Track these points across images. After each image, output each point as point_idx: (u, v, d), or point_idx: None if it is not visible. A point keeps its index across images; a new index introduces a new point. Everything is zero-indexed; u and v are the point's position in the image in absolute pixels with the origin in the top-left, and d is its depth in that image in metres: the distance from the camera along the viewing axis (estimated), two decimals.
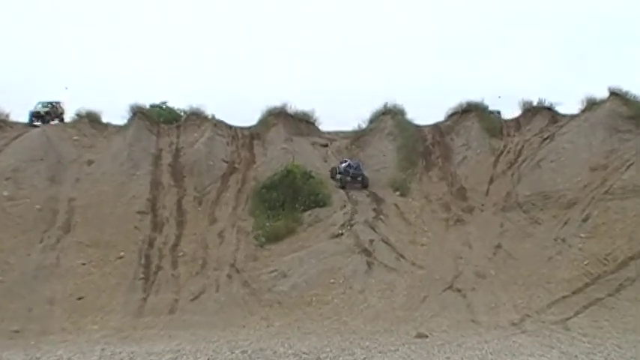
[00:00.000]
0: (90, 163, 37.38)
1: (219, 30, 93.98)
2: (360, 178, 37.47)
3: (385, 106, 43.39)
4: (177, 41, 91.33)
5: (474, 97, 43.73)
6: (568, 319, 25.32)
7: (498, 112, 42.53)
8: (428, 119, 43.60)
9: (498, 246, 31.82)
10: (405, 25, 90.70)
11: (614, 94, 38.16)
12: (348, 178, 37.32)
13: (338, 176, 37.58)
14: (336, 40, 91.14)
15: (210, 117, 42.17)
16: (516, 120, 42.15)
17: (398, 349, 21.99)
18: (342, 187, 36.94)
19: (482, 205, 35.41)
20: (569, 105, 42.13)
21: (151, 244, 31.97)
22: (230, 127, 42.09)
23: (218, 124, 41.45)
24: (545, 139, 38.32)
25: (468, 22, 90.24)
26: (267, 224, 33.30)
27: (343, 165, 37.90)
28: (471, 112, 42.29)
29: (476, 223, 34.07)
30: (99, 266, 30.15)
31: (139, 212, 33.73)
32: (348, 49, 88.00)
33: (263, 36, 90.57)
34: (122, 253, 30.95)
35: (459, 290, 28.40)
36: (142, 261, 30.72)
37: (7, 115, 40.88)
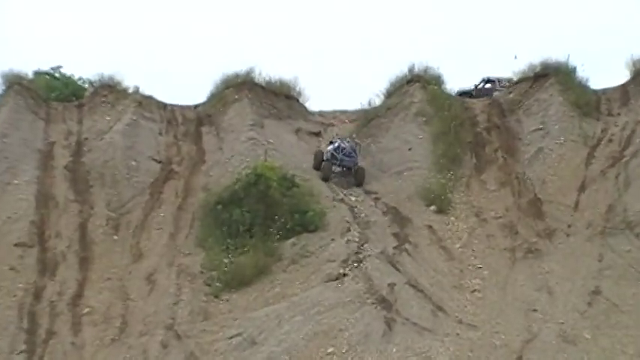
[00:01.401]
0: None
1: None
2: (352, 169, 38.82)
3: (411, 70, 43.50)
4: None
5: (552, 54, 43.94)
6: None
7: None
8: None
9: (596, 291, 31.60)
10: None
11: None
12: (336, 168, 38.76)
13: (323, 164, 38.89)
14: None
15: (131, 91, 42.13)
16: (622, 89, 42.22)
17: None
18: (325, 180, 38.32)
19: (569, 226, 35.32)
20: None
21: (37, 296, 31.60)
22: (164, 105, 41.97)
23: (145, 102, 41.46)
24: None
25: None
26: (226, 261, 33.21)
27: (330, 147, 39.10)
28: (549, 77, 42.36)
29: (559, 255, 33.90)
30: None
31: (17, 245, 33.42)
32: None
33: None
34: None
35: None
36: (24, 323, 30.34)
37: None
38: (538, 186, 37.56)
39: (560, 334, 29.55)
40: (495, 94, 44.10)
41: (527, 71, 43.33)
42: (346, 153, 38.78)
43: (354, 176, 39.06)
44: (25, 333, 29.93)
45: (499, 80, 45.38)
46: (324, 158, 39.12)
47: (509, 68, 44.52)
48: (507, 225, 35.91)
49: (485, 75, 45.75)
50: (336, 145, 38.95)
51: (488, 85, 45.66)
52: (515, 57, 47.87)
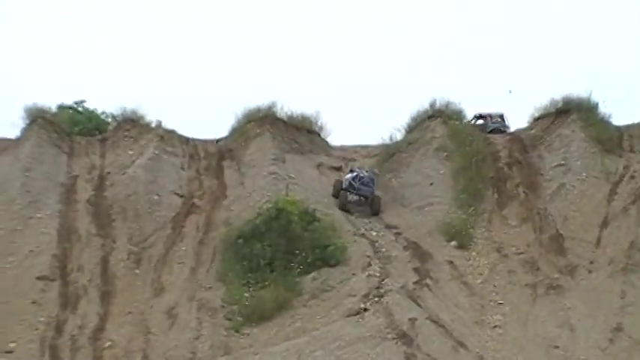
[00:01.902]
0: None
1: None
2: (367, 198, 39.46)
3: (433, 105, 43.60)
4: (102, 13, 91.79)
5: (573, 89, 43.91)
6: None
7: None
8: None
9: (618, 328, 31.46)
10: None
11: None
12: (353, 196, 39.47)
13: (340, 192, 39.62)
14: (352, 19, 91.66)
15: (154, 125, 42.33)
16: None
17: None
18: (342, 208, 38.94)
19: (592, 262, 35.16)
20: None
21: (59, 330, 31.58)
22: (186, 140, 42.10)
23: (167, 137, 41.59)
24: None
25: None
26: (247, 295, 33.18)
27: (349, 176, 39.71)
28: (571, 112, 42.33)
29: (581, 291, 33.74)
30: None
31: (39, 278, 33.44)
32: (369, 33, 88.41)
33: (241, 13, 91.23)
34: (12, 345, 30.60)
35: None
36: (45, 357, 30.29)
37: None
38: (560, 222, 37.42)
39: None
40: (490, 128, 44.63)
41: (549, 107, 43.27)
42: (364, 182, 39.39)
43: (370, 205, 39.62)
44: None
45: (490, 116, 45.84)
46: (343, 187, 39.63)
47: (530, 103, 44.49)
48: (529, 261, 35.78)
49: (478, 111, 46.22)
50: (355, 174, 39.50)
51: (480, 121, 45.91)
52: (510, 92, 48.93)
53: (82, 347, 31.06)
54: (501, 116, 45.11)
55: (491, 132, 43.41)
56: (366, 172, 39.95)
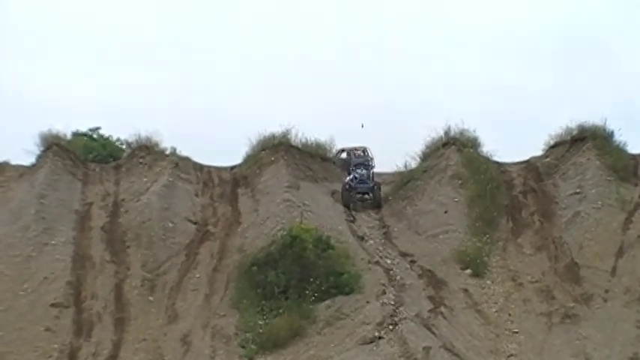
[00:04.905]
0: None
1: (183, 25, 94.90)
2: (367, 194, 41.82)
3: (447, 133, 43.74)
4: (116, 40, 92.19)
5: (588, 117, 43.91)
6: None
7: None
8: (515, 154, 44.05)
9: (634, 358, 31.38)
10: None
11: None
12: (356, 195, 41.67)
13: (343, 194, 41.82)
14: (359, 43, 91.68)
15: (168, 152, 42.55)
16: None
17: None
18: (347, 207, 41.10)
19: (607, 291, 35.06)
20: None
21: (73, 357, 31.74)
22: (201, 167, 42.28)
23: (181, 164, 41.84)
24: None
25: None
26: (261, 323, 33.19)
27: (347, 179, 42.05)
28: (586, 140, 42.38)
29: (597, 320, 33.67)
30: None
31: (53, 305, 33.60)
32: (378, 54, 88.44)
33: (252, 37, 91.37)
34: None
35: None
36: None
37: None
38: (575, 250, 37.35)
39: None
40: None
41: (564, 135, 43.31)
42: (360, 180, 41.85)
43: (372, 198, 41.84)
44: None
45: (355, 150, 46.17)
46: (345, 188, 41.64)
47: (546, 131, 44.38)
48: (544, 289, 35.76)
49: (341, 146, 46.96)
50: (352, 176, 41.89)
51: (343, 155, 46.54)
52: (363, 126, 48.61)
53: None
54: (364, 150, 45.64)
55: (356, 166, 43.76)
56: (361, 169, 42.60)
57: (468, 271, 36.82)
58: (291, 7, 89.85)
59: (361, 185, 42.12)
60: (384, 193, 42.84)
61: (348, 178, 42.19)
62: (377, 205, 42.04)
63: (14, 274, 34.91)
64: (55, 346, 31.93)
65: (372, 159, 45.03)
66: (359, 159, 44.86)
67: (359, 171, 42.36)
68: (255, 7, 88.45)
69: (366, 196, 42.29)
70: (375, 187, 42.58)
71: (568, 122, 43.56)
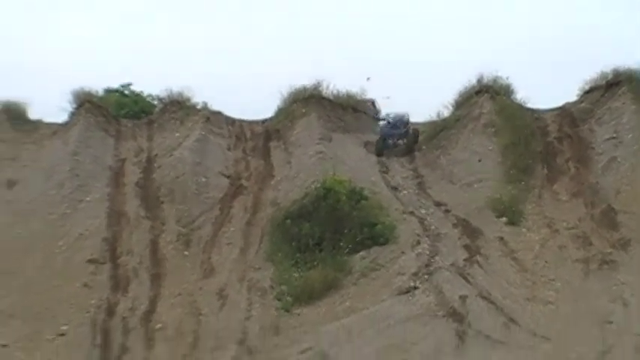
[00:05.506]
0: (10, 184, 38.05)
1: None
2: (401, 140, 41.73)
3: (480, 81, 43.35)
4: None
5: (625, 60, 43.40)
6: None
7: None
8: (549, 100, 43.65)
9: None
10: None
11: None
12: (389, 142, 41.55)
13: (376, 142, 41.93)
14: None
15: (200, 107, 42.59)
16: None
17: None
18: (379, 155, 41.04)
19: None
20: None
21: (110, 312, 31.91)
22: (233, 121, 42.36)
23: (213, 118, 41.86)
24: None
25: None
26: (296, 275, 33.34)
27: (381, 124, 42.33)
28: (622, 85, 41.79)
29: (634, 266, 33.32)
30: (28, 349, 30.04)
31: (90, 261, 33.89)
32: (414, 8, 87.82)
33: None
34: (64, 328, 30.91)
35: None
36: (97, 339, 30.58)
37: None
38: (611, 196, 37.09)
39: (636, 346, 29.00)
40: None
41: (599, 79, 42.81)
42: (392, 126, 41.80)
43: (406, 143, 41.82)
44: (98, 349, 30.19)
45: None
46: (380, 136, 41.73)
47: (579, 77, 43.94)
48: (580, 236, 35.47)
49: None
50: (385, 122, 42.06)
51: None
52: (368, 79, 46.99)
53: (133, 329, 31.33)
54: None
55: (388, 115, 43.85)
56: (394, 116, 42.34)
57: (503, 219, 36.67)
58: None
59: (392, 131, 41.87)
60: (419, 144, 42.69)
61: (381, 123, 42.42)
62: (409, 149, 41.77)
63: (50, 232, 35.27)
64: (93, 302, 32.13)
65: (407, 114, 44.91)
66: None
67: (392, 116, 42.18)
68: None
69: (399, 141, 41.92)
70: (410, 132, 42.25)
71: (603, 67, 43.15)
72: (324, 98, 43.00)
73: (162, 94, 44.24)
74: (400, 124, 42.05)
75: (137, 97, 45.45)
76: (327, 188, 35.41)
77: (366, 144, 42.12)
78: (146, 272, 34.11)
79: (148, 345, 30.74)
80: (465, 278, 32.32)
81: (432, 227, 36.02)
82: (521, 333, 29.97)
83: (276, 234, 35.35)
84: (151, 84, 48.06)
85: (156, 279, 33.86)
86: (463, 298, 31.03)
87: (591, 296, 32.13)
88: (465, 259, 33.64)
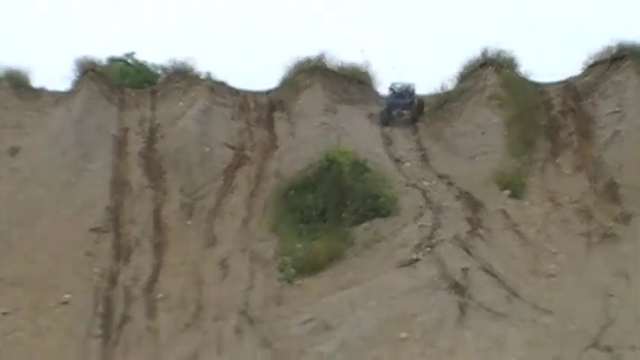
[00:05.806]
0: (13, 151, 37.98)
1: None
2: (405, 109, 41.56)
3: (484, 54, 43.21)
4: None
5: (630, 35, 43.24)
6: None
7: None
8: (553, 74, 43.37)
9: None
10: None
11: None
12: (393, 112, 41.41)
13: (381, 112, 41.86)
14: None
15: (204, 76, 42.48)
16: None
17: None
18: (385, 124, 41.01)
19: None
20: None
21: (112, 281, 32.08)
22: (237, 91, 42.25)
23: (217, 88, 41.78)
24: None
25: None
26: (299, 246, 33.38)
27: (387, 94, 42.02)
28: (626, 59, 41.64)
29: (637, 239, 33.38)
30: (30, 317, 30.25)
31: (93, 230, 33.99)
32: None
33: None
34: (67, 296, 31.05)
35: (609, 349, 27.93)
36: (99, 308, 30.77)
37: None
38: (614, 170, 36.96)
39: (637, 318, 29.22)
40: None
41: (603, 53, 42.67)
42: (397, 95, 41.63)
43: (411, 112, 41.68)
44: (101, 317, 30.39)
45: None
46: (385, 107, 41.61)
47: (587, 52, 43.79)
48: (583, 209, 35.48)
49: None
50: (391, 92, 41.75)
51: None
52: (362, 51, 46.63)
53: (135, 298, 31.53)
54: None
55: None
56: (400, 86, 42.02)
57: (506, 192, 36.58)
58: None
59: (397, 101, 41.71)
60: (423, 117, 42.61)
61: (387, 93, 42.27)
62: (414, 120, 41.62)
63: (54, 200, 35.31)
64: (96, 270, 32.30)
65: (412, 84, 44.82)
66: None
67: (398, 86, 41.92)
68: None
69: (404, 111, 41.75)
70: (415, 102, 42.06)
71: (608, 41, 42.99)
72: (328, 69, 42.91)
73: (166, 63, 44.09)
74: (406, 94, 41.82)
75: (140, 67, 45.28)
76: (330, 160, 35.45)
77: (370, 116, 41.99)
78: (149, 242, 34.18)
79: (150, 314, 30.92)
80: (468, 251, 32.45)
81: (435, 199, 36.00)
82: (523, 306, 30.12)
83: (279, 205, 35.38)
84: (155, 53, 48.08)
85: (158, 248, 33.93)
86: (465, 270, 31.21)
87: (593, 269, 32.20)
88: (467, 232, 33.72)
